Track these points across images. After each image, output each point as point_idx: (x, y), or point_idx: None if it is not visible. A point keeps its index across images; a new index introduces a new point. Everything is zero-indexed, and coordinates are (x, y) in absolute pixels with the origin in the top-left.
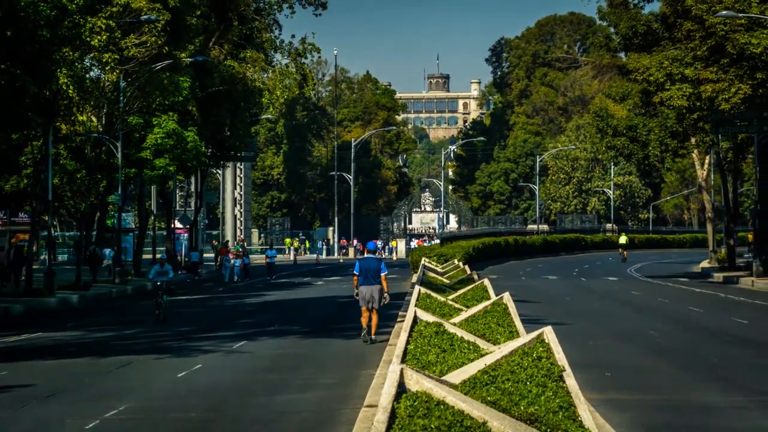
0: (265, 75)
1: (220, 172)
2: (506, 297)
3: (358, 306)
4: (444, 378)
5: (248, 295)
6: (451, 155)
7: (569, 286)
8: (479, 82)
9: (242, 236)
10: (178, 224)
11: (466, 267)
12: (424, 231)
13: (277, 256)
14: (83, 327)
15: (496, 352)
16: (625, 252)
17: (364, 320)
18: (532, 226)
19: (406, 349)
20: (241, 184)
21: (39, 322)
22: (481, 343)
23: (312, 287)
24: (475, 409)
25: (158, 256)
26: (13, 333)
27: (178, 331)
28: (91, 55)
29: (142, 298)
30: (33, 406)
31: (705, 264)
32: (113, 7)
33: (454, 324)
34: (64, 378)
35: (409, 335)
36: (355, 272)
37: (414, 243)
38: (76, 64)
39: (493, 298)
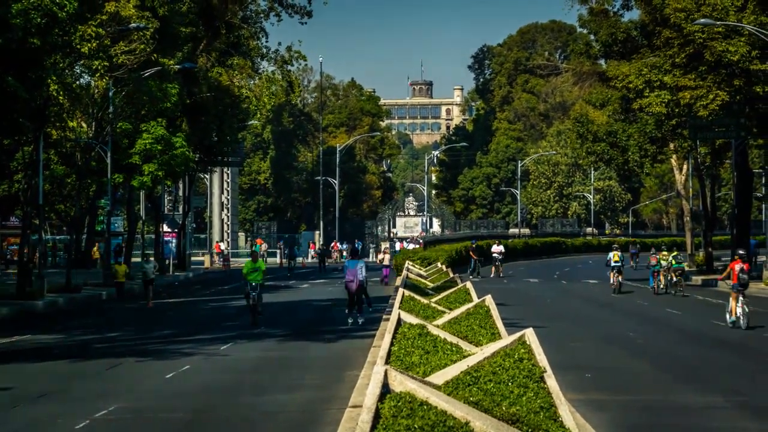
0: (252, 82)
1: (207, 177)
2: (488, 299)
3: (341, 309)
4: (427, 379)
5: (234, 297)
6: (435, 160)
7: (550, 289)
8: (462, 89)
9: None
10: (166, 228)
11: (449, 270)
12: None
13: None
14: (72, 330)
15: (478, 354)
16: (620, 276)
17: None
18: (513, 230)
19: (390, 350)
20: (228, 189)
21: (29, 324)
22: (464, 345)
23: (297, 290)
24: (458, 410)
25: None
26: (1, 336)
27: (166, 333)
28: (81, 62)
29: (130, 300)
30: (24, 406)
31: (684, 267)
32: (103, 15)
33: (437, 326)
34: (53, 379)
35: (393, 337)
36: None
37: (397, 246)
38: (66, 71)
39: (476, 300)
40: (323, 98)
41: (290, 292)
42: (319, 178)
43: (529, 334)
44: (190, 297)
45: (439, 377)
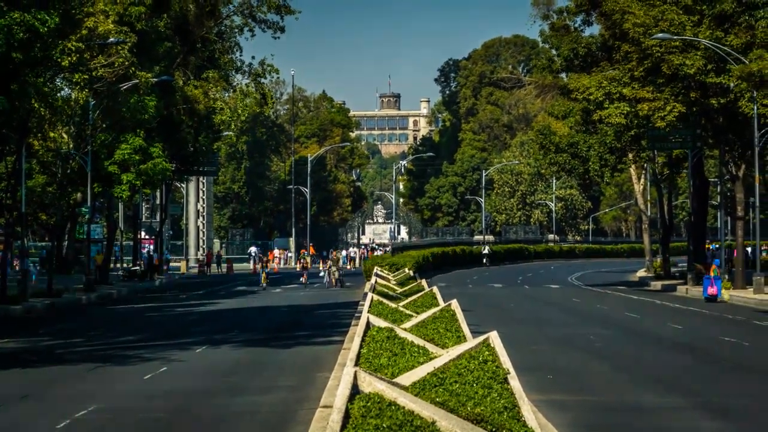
0: (227, 94)
1: (183, 186)
2: (454, 304)
3: (313, 313)
4: (395, 380)
5: (207, 303)
6: (402, 170)
7: (513, 294)
8: (429, 101)
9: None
10: (144, 235)
11: (416, 275)
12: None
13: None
14: (54, 334)
15: (444, 356)
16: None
17: None
18: (478, 237)
19: (359, 352)
20: (204, 198)
21: (11, 328)
22: (431, 348)
23: (270, 295)
24: (425, 410)
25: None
26: None
27: (142, 337)
28: (62, 75)
29: (108, 305)
30: (6, 407)
31: (642, 273)
32: (82, 31)
33: (405, 329)
34: (35, 381)
35: (363, 340)
36: None
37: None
38: (48, 84)
39: (442, 304)
40: (295, 110)
41: (265, 296)
42: (291, 187)
43: (493, 337)
44: (163, 302)
45: (407, 378)
